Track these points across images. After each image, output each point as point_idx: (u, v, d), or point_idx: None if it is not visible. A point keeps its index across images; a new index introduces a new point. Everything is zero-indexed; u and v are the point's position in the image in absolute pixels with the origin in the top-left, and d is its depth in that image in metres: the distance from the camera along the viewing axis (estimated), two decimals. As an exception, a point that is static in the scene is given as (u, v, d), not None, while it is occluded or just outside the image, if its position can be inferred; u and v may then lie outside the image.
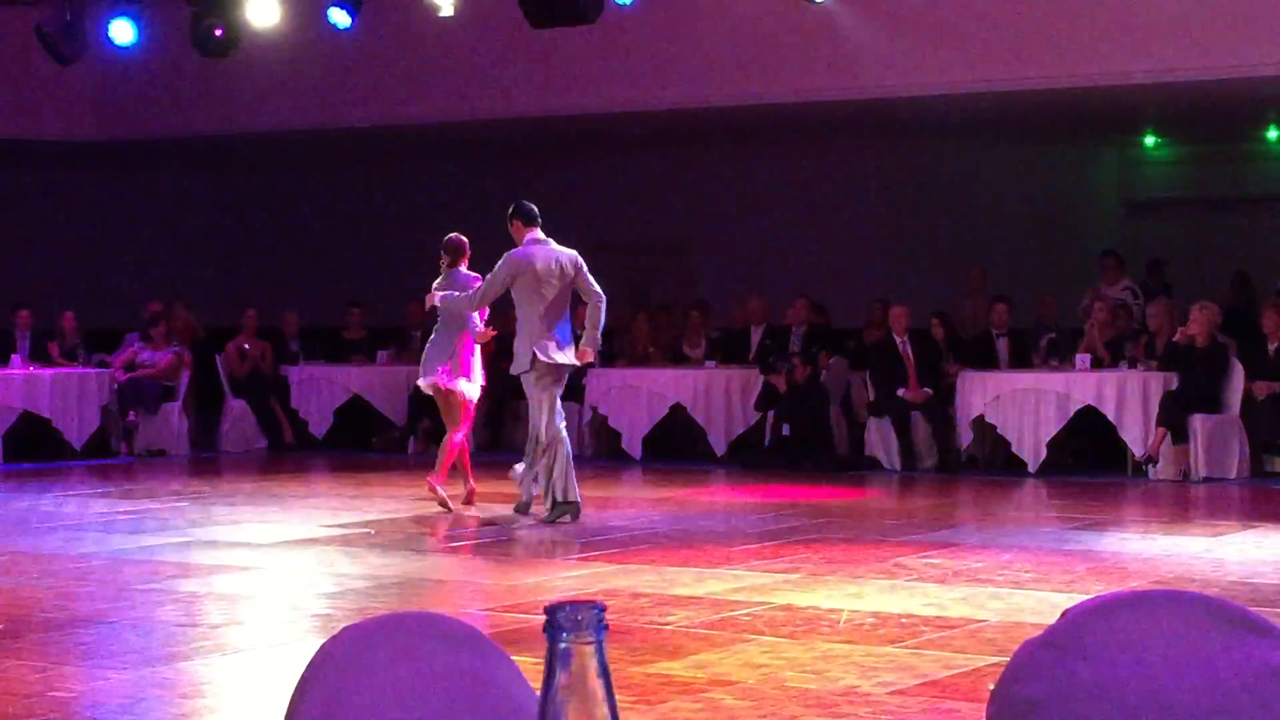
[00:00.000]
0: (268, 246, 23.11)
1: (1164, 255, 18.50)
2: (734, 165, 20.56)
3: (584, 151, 20.70)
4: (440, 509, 12.63)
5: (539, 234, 11.94)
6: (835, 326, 17.68)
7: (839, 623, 8.02)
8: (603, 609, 1.16)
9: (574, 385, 17.16)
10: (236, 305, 19.50)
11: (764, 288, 18.34)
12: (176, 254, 23.14)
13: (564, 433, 11.95)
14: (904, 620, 8.06)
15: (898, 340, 15.92)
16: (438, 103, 18.03)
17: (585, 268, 11.96)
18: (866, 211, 19.96)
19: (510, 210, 12.09)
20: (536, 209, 12.04)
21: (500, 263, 11.91)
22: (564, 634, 1.17)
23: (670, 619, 8.06)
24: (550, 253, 11.88)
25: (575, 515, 11.94)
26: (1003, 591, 8.89)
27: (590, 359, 12.49)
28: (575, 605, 1.16)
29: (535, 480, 12.02)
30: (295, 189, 23.02)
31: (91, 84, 19.32)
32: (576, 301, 12.23)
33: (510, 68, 17.62)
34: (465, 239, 12.70)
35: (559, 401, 11.97)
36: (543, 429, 11.83)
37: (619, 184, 20.93)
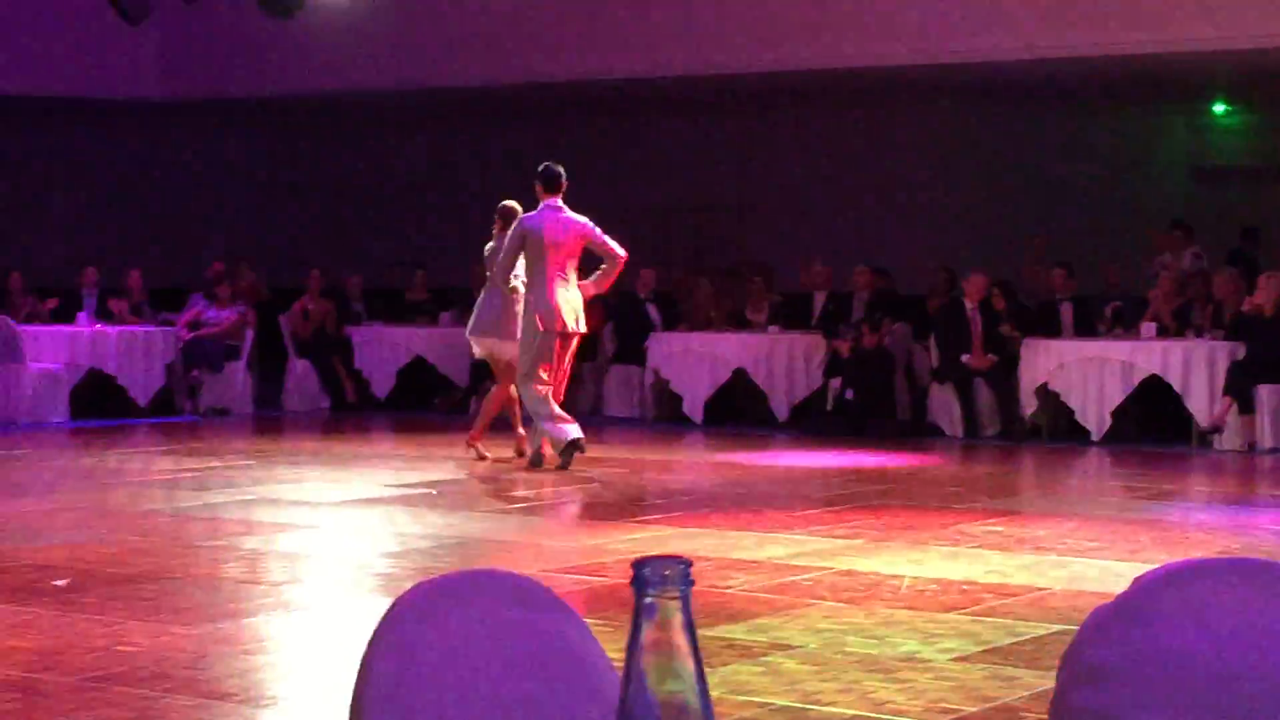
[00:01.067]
0: (332, 206, 23.20)
1: (1242, 224, 18.33)
2: (798, 129, 20.51)
3: (646, 114, 20.68)
4: (478, 459, 13.11)
5: (557, 201, 12.30)
6: (900, 293, 17.64)
7: (900, 588, 8.03)
8: (689, 564, 1.18)
9: (636, 349, 17.27)
10: (301, 265, 19.60)
11: (825, 252, 18.31)
12: (241, 213, 23.27)
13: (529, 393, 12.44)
14: (965, 587, 8.07)
15: (968, 306, 15.84)
16: (501, 64, 18.05)
17: (599, 233, 12.33)
18: (929, 176, 19.88)
19: (538, 170, 12.39)
20: (562, 174, 12.36)
21: (512, 229, 12.40)
22: (650, 588, 1.19)
23: (731, 583, 8.09)
24: (561, 220, 12.26)
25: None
26: (1066, 560, 8.88)
27: (590, 292, 12.68)
28: (661, 560, 1.18)
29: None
30: (361, 149, 23.09)
31: (159, 43, 19.42)
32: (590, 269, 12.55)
33: (574, 29, 17.62)
34: (518, 205, 12.87)
35: (540, 369, 12.31)
36: (523, 391, 12.45)
37: (681, 147, 20.91)
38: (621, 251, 12.34)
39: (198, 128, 22.65)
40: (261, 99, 20.07)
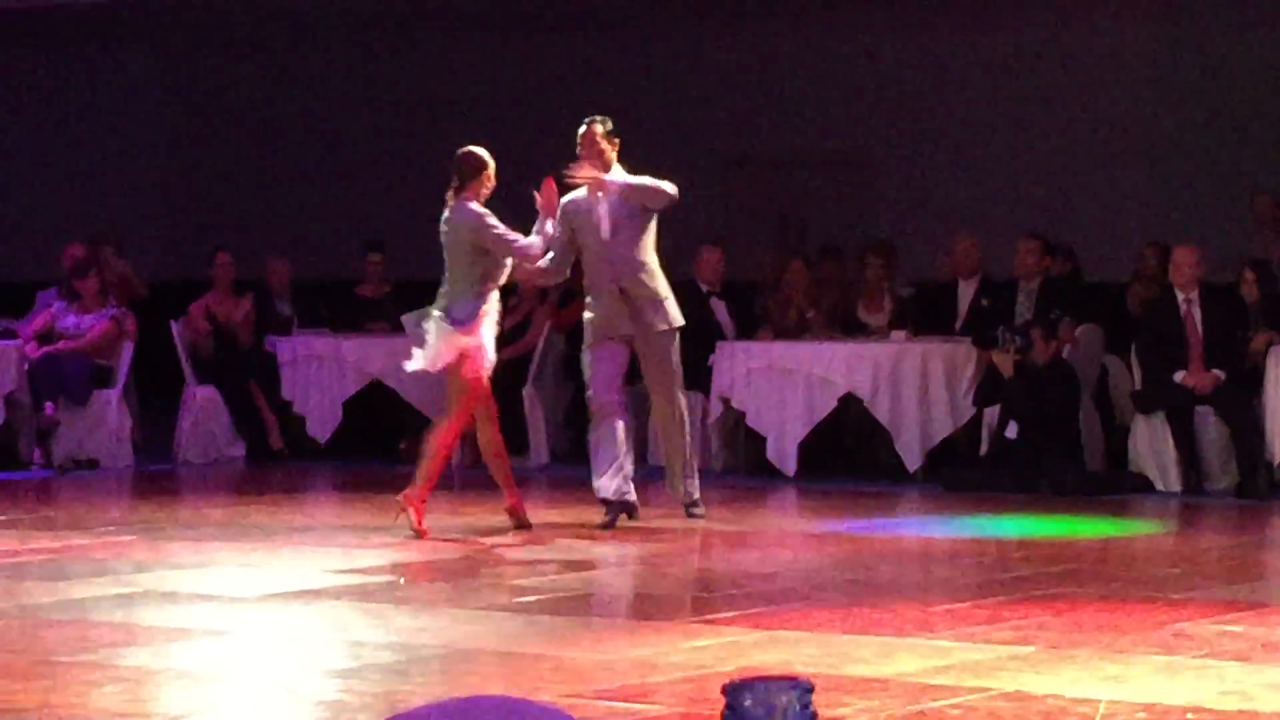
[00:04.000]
0: (248, 161, 23.21)
1: None
2: (936, 41, 20.46)
3: (713, 23, 20.66)
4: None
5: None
6: (1087, 280, 17.59)
7: (1094, 719, 8.02)
8: (809, 689, 1.17)
9: (696, 367, 17.22)
10: (200, 247, 19.62)
11: (978, 222, 18.28)
12: (110, 171, 23.28)
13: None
14: (1191, 717, 8.04)
15: (1179, 298, 15.77)
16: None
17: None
18: (1127, 108, 19.82)
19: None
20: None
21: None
22: (753, 727, 1.18)
23: (844, 710, 8.08)
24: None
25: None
26: (1339, 675, 8.86)
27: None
28: (767, 685, 1.17)
29: None
30: (288, 78, 23.11)
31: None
32: None
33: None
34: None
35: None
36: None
37: (765, 71, 20.89)
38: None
39: (44, 44, 22.69)
40: (137, 2, 20.11)
